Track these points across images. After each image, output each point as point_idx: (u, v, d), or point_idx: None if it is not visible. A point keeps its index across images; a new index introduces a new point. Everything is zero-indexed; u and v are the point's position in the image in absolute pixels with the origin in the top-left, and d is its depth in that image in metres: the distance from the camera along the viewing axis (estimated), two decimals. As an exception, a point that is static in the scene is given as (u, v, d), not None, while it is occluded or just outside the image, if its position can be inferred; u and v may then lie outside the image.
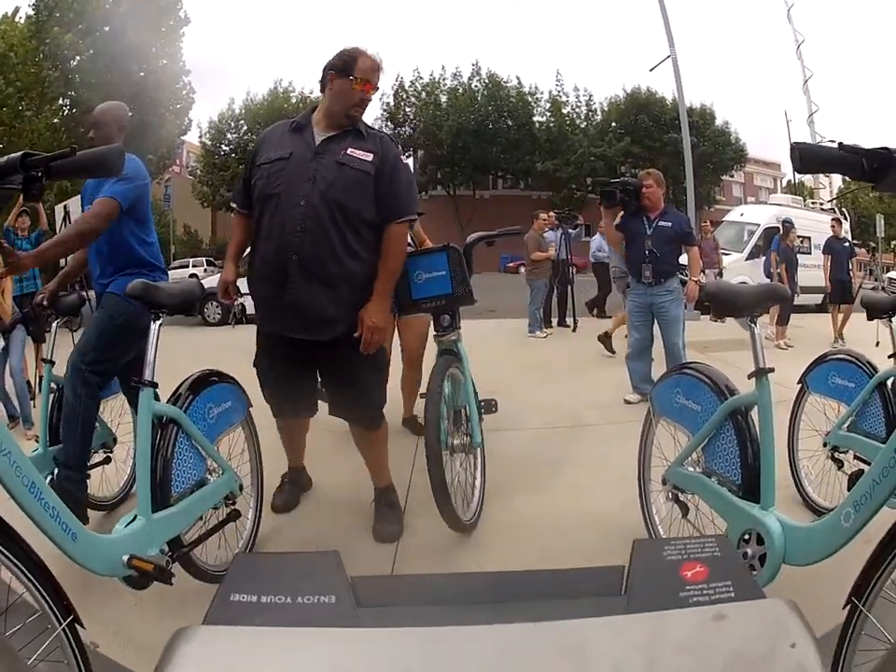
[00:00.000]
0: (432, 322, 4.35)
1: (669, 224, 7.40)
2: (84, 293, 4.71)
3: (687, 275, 7.94)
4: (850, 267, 13.19)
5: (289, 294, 3.66)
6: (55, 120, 26.50)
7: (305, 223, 3.62)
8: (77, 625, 2.11)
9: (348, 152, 3.74)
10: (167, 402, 3.29)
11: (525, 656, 0.85)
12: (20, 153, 2.06)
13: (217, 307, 16.14)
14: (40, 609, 2.06)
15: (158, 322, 3.16)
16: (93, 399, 4.05)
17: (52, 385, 4.44)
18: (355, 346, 3.74)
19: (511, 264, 42.33)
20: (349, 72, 3.78)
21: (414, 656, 0.85)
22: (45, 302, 4.48)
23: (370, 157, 3.74)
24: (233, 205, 4.08)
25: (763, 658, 0.84)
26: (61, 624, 2.05)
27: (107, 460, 4.44)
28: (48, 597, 2.05)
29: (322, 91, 3.93)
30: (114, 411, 4.61)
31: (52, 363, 4.42)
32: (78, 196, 4.83)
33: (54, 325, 4.57)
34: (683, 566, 1.05)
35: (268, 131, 4.07)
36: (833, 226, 14.13)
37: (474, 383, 4.45)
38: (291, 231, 3.62)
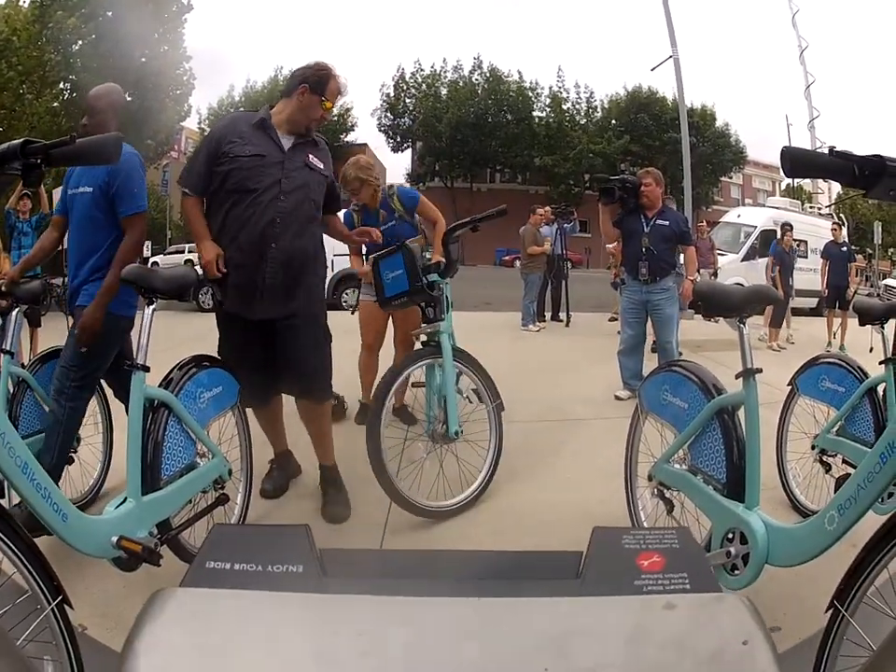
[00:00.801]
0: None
1: (667, 223, 7.43)
2: (47, 280, 4.58)
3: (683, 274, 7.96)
4: (849, 273, 13.16)
5: (269, 279, 4.01)
6: (55, 104, 26.28)
7: (283, 217, 3.99)
8: (65, 606, 2.12)
9: (311, 159, 4.20)
10: (159, 386, 3.30)
11: (476, 629, 0.88)
12: (20, 140, 2.07)
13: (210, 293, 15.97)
14: (30, 590, 2.07)
15: (152, 307, 3.17)
16: (77, 410, 4.04)
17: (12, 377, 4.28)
18: (308, 321, 4.19)
19: (506, 257, 42.45)
20: (321, 92, 4.14)
21: (373, 622, 0.89)
22: (2, 289, 4.38)
23: (322, 165, 4.27)
24: (186, 190, 4.12)
25: (712, 651, 0.86)
26: (50, 604, 2.06)
27: (70, 460, 4.27)
28: (37, 577, 2.05)
29: (287, 95, 4.20)
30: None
31: (11, 354, 4.25)
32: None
33: (14, 313, 4.35)
34: (640, 555, 1.08)
35: (230, 121, 4.28)
36: (833, 230, 14.08)
37: (487, 374, 4.61)
38: (270, 223, 3.96)
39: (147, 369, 3.08)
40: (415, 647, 0.85)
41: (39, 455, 3.75)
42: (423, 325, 4.48)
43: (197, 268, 4.02)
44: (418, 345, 4.99)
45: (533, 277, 13.44)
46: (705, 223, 17.66)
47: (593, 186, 43.69)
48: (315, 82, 4.12)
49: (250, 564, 1.03)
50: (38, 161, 2.11)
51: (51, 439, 3.95)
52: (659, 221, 7.40)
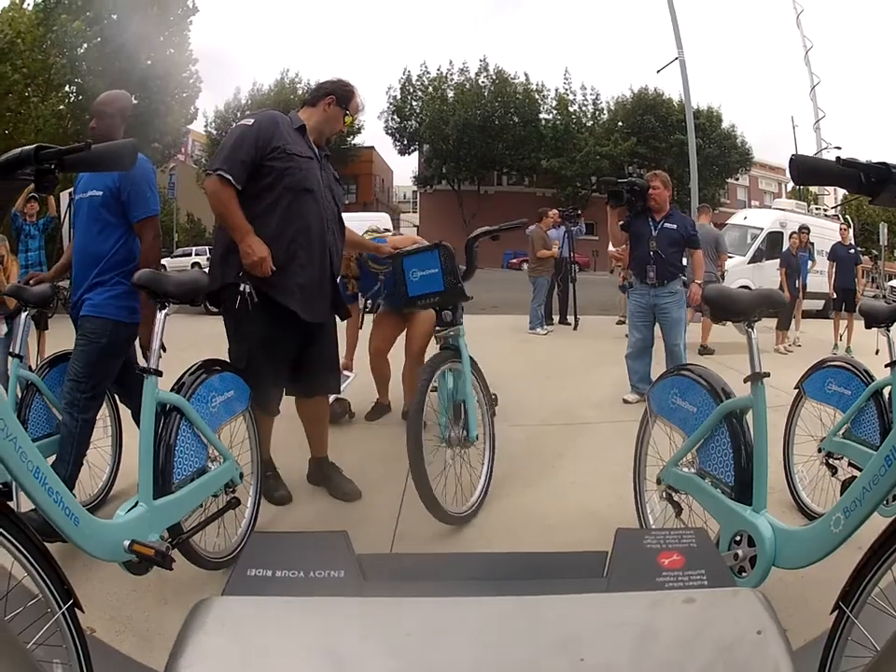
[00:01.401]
0: (435, 317, 4.44)
1: (674, 226, 7.42)
2: (55, 283, 4.59)
3: (690, 277, 7.95)
4: (856, 275, 13.12)
5: (332, 283, 4.27)
6: (61, 107, 26.28)
7: (332, 223, 4.17)
8: (76, 609, 2.14)
9: (333, 170, 4.43)
10: (171, 390, 3.30)
11: (511, 626, 0.92)
12: (34, 146, 2.06)
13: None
14: (40, 593, 2.08)
15: (164, 311, 3.18)
16: (89, 421, 4.06)
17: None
18: (331, 322, 4.42)
19: (513, 260, 42.50)
20: (345, 106, 4.30)
21: (414, 623, 0.92)
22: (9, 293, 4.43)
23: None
24: (229, 177, 3.87)
25: (729, 641, 0.89)
26: (60, 608, 2.07)
27: None
28: (48, 581, 2.06)
29: (312, 104, 4.31)
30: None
31: (20, 357, 4.25)
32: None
33: (22, 316, 4.38)
34: (661, 554, 1.11)
35: (274, 119, 4.11)
36: (842, 231, 14.02)
37: (485, 379, 4.56)
38: (326, 228, 4.12)
39: (159, 373, 3.09)
40: (459, 645, 0.88)
41: (54, 466, 3.77)
42: (438, 328, 4.38)
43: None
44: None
45: (541, 281, 13.45)
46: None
47: (600, 188, 43.72)
48: (342, 96, 4.28)
49: (292, 570, 1.06)
50: (52, 166, 2.11)
51: (66, 450, 3.95)
52: (667, 224, 7.40)
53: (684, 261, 7.80)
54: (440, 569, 1.20)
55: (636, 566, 1.11)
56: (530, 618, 0.93)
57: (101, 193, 4.03)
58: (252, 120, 4.07)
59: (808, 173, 2.16)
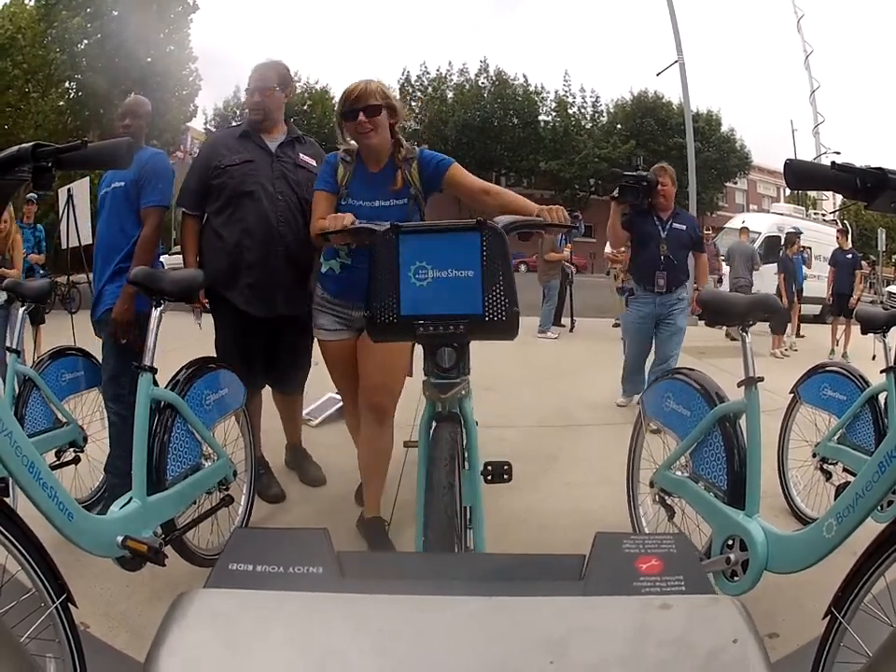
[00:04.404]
0: (423, 359, 2.52)
1: (683, 227, 6.72)
2: (53, 279, 4.63)
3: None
4: (852, 280, 13.07)
5: (283, 278, 4.20)
6: (61, 103, 26.36)
7: (285, 215, 4.14)
8: (69, 604, 2.15)
9: (302, 157, 4.35)
10: (165, 387, 3.31)
11: (484, 626, 0.92)
12: (31, 143, 2.07)
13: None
14: (34, 588, 2.09)
15: (159, 308, 3.19)
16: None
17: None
18: (302, 319, 4.19)
19: (514, 261, 42.52)
20: (249, 87, 4.35)
21: (389, 619, 0.92)
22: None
23: (314, 162, 4.33)
24: (184, 209, 4.28)
25: (704, 648, 0.89)
26: (54, 603, 2.08)
27: (77, 459, 4.32)
28: (42, 576, 2.07)
29: None
30: (86, 407, 4.49)
31: (18, 352, 4.21)
32: (82, 180, 4.74)
33: (20, 312, 4.34)
34: (640, 558, 1.11)
35: (215, 138, 4.57)
36: (839, 237, 14.01)
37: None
38: (275, 223, 4.12)
39: (154, 370, 3.11)
40: (430, 643, 0.89)
41: (122, 465, 3.65)
42: (435, 380, 2.48)
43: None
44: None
45: (554, 283, 13.53)
46: (712, 229, 17.69)
47: (598, 190, 43.77)
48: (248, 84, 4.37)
49: (272, 565, 1.07)
50: (49, 164, 2.12)
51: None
52: (675, 224, 6.67)
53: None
54: (417, 567, 1.21)
55: (613, 570, 1.11)
56: (503, 619, 0.93)
57: (123, 184, 4.13)
58: (198, 150, 4.49)
59: (803, 177, 2.17)
